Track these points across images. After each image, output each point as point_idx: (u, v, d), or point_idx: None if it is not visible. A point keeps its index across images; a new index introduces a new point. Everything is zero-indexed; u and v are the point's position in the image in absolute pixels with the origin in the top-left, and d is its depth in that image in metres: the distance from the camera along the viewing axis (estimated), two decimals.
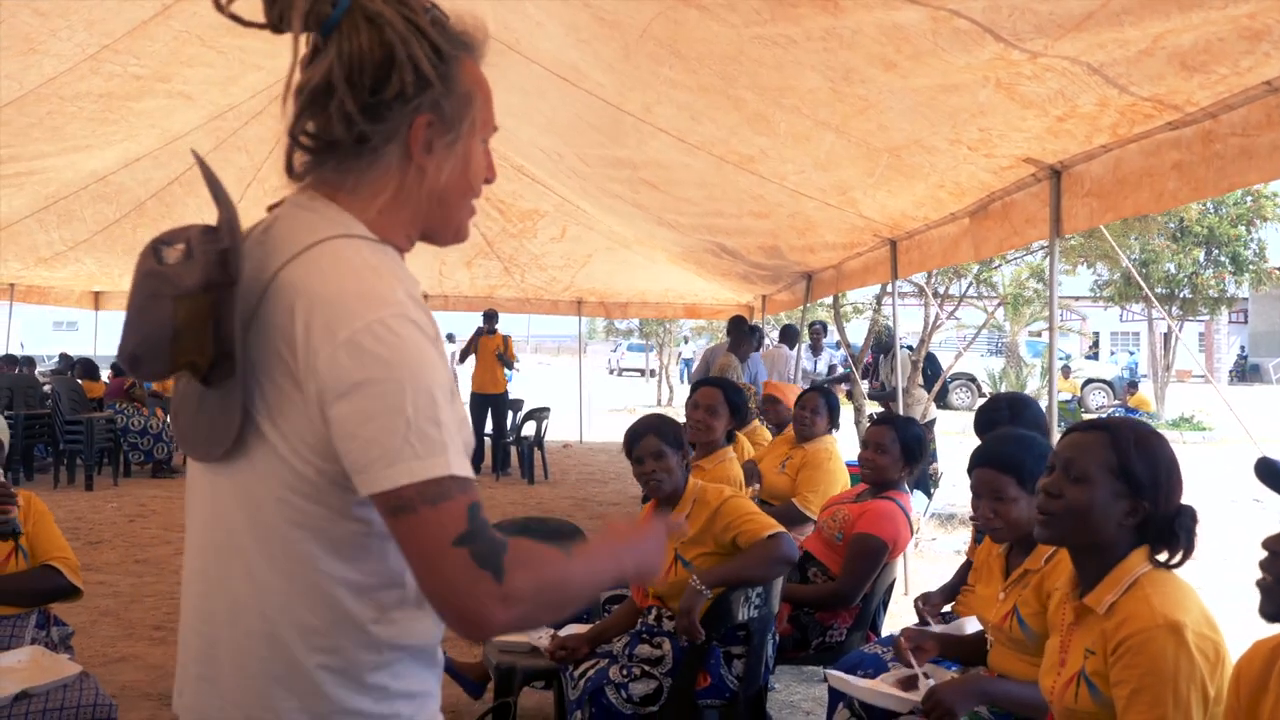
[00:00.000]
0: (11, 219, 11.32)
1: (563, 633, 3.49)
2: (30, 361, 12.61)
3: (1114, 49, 2.89)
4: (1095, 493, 1.97)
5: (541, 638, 3.50)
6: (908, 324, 15.70)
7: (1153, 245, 17.77)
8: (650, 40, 4.52)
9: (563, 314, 16.14)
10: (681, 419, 4.36)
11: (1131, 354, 32.04)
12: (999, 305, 14.30)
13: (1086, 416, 19.94)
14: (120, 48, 7.25)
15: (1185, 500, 2.01)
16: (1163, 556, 1.95)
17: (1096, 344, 36.75)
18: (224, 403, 1.22)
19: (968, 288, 11.10)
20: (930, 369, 10.46)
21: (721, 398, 4.79)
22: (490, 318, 12.24)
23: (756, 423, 6.69)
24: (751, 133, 5.21)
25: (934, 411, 9.94)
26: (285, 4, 1.21)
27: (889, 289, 8.31)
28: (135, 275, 1.23)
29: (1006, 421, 3.41)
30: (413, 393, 1.16)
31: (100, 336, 16.83)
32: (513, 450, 12.04)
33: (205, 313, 1.18)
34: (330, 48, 1.21)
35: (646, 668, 3.10)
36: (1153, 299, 12.34)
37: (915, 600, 3.49)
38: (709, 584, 3.12)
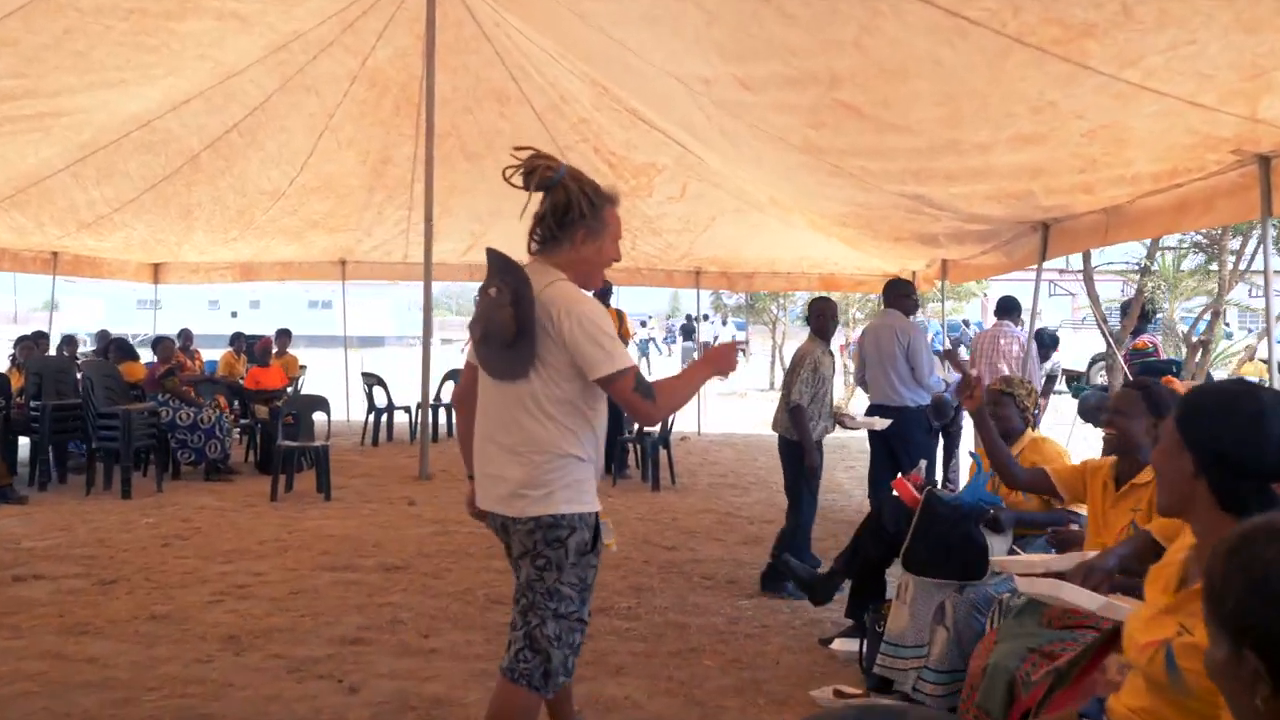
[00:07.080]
0: (42, 173, 9.56)
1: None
2: (71, 341, 10.95)
3: None
4: None
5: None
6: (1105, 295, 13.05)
7: None
8: None
9: (678, 286, 14.12)
10: None
11: None
12: None
13: None
14: None
15: None
16: None
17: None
18: (520, 355, 2.87)
19: (1257, 247, 8.11)
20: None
21: None
22: (605, 293, 10.10)
23: None
24: None
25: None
26: (532, 179, 2.92)
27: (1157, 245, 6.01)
28: (484, 299, 2.95)
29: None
30: (604, 333, 2.88)
31: (178, 313, 15.28)
32: (631, 449, 10.07)
33: (512, 315, 2.85)
34: (548, 198, 2.95)
35: None
36: None
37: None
38: None
